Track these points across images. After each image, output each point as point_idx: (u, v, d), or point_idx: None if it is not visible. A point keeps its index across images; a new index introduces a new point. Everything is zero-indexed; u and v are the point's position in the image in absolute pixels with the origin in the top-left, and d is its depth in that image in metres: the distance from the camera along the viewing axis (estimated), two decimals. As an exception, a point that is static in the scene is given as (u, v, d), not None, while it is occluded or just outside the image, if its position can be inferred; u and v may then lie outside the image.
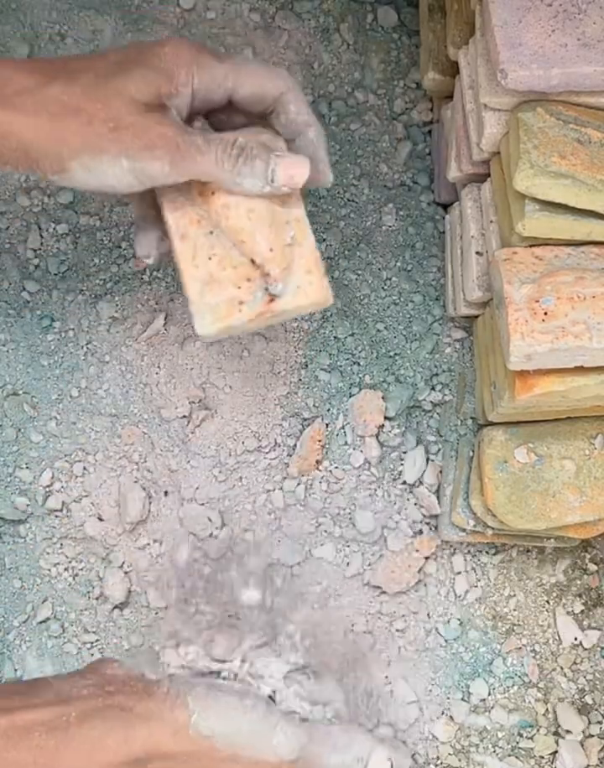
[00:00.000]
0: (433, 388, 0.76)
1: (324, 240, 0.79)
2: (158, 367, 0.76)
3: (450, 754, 0.73)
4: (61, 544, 0.73)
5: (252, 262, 0.59)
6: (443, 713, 0.73)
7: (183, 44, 0.57)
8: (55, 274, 0.77)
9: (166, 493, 0.74)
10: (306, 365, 0.76)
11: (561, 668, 0.74)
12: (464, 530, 0.73)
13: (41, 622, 0.73)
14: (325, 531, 0.74)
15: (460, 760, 0.72)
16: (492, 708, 0.73)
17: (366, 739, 0.58)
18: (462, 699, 0.74)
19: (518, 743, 0.73)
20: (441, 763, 0.73)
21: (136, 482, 0.74)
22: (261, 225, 0.58)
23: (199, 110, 0.58)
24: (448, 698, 0.74)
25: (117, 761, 0.51)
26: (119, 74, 0.55)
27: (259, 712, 0.54)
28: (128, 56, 0.56)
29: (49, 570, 0.73)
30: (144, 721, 0.51)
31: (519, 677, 0.74)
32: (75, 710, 0.51)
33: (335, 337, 0.77)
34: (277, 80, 0.59)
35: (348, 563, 0.74)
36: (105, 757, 0.50)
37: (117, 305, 0.76)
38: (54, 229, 0.77)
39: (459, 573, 0.75)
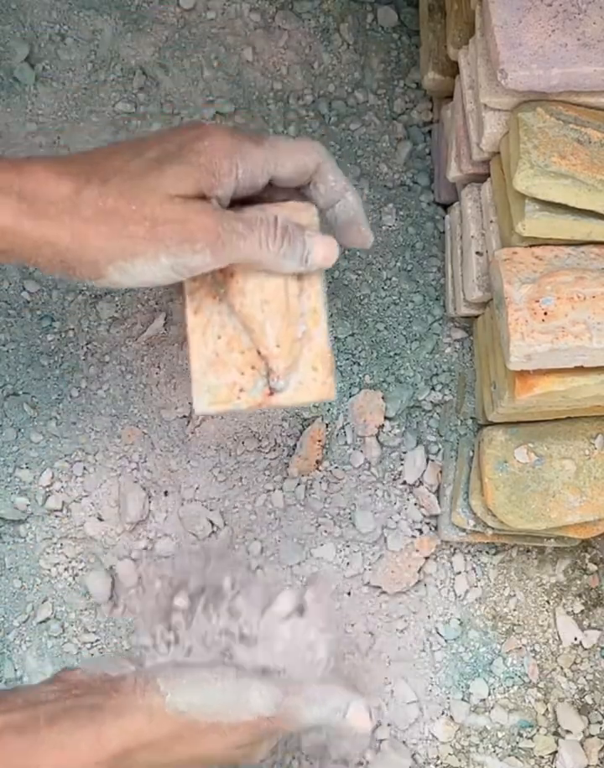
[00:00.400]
0: (433, 388, 0.76)
1: (324, 240, 0.79)
2: (158, 367, 0.76)
3: (450, 754, 0.73)
4: (61, 544, 0.73)
5: (259, 352, 0.58)
6: (443, 713, 0.73)
7: (221, 135, 0.55)
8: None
9: (166, 493, 0.74)
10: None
11: (561, 668, 0.74)
12: (464, 530, 0.73)
13: (41, 622, 0.73)
14: (325, 532, 0.74)
15: (460, 760, 0.72)
16: (492, 708, 0.73)
17: (343, 690, 0.57)
18: (462, 699, 0.74)
19: (518, 743, 0.73)
20: (441, 763, 0.73)
21: (136, 482, 0.74)
22: (273, 318, 0.58)
23: (241, 195, 0.57)
24: (448, 698, 0.74)
25: (94, 761, 0.50)
26: (154, 172, 0.53)
27: (230, 676, 0.54)
28: (166, 151, 0.54)
29: (49, 570, 0.73)
30: (116, 716, 0.51)
31: (519, 677, 0.74)
32: (43, 713, 0.50)
33: (335, 337, 0.77)
34: (312, 153, 0.58)
35: (348, 563, 0.74)
36: (79, 758, 0.50)
37: (116, 305, 0.76)
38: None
39: (459, 573, 0.75)
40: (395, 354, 0.77)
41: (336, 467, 0.75)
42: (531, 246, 0.63)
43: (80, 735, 0.50)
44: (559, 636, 0.75)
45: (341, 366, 0.76)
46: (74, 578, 0.73)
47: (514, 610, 0.75)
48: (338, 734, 0.61)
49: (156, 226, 0.52)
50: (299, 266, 0.57)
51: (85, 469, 0.74)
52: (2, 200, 0.51)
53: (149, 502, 0.74)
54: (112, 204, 0.52)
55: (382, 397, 0.75)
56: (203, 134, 0.55)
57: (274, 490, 0.74)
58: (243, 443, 0.75)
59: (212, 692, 0.53)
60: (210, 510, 0.74)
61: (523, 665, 0.74)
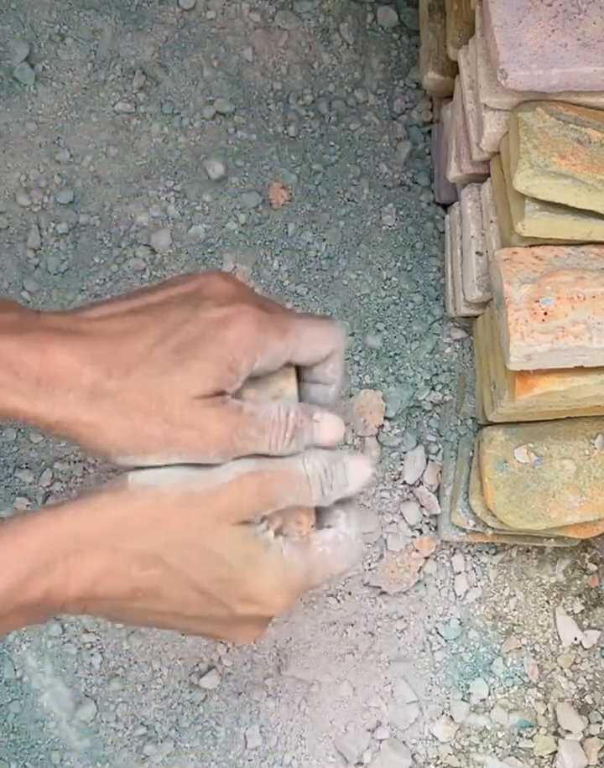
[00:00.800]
0: (433, 388, 0.76)
1: (324, 240, 0.79)
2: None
3: (450, 754, 0.73)
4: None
5: None
6: (443, 713, 0.73)
7: (247, 326, 0.53)
8: (55, 274, 0.77)
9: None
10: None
11: (561, 668, 0.74)
12: (464, 530, 0.73)
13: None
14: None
15: (460, 760, 0.72)
16: (492, 708, 0.73)
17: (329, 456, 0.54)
18: (462, 699, 0.74)
19: (518, 743, 0.73)
20: (441, 763, 0.73)
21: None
22: None
23: (252, 377, 0.55)
24: (448, 698, 0.74)
25: (60, 542, 0.49)
26: (177, 368, 0.52)
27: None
28: (189, 338, 0.52)
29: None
30: (81, 502, 0.50)
31: (519, 677, 0.74)
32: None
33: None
34: (332, 343, 0.56)
35: (348, 563, 0.74)
36: (42, 541, 0.49)
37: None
38: (54, 228, 0.77)
39: (459, 573, 0.75)
40: (395, 354, 0.77)
41: (336, 467, 0.75)
42: (531, 246, 0.63)
43: (38, 530, 0.49)
44: (559, 636, 0.75)
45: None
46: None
47: (514, 610, 0.75)
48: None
49: (172, 432, 0.51)
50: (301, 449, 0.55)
51: (85, 469, 0.74)
52: (21, 385, 0.50)
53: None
54: (132, 400, 0.51)
55: (382, 397, 0.76)
56: (229, 321, 0.53)
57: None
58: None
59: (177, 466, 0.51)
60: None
61: (523, 665, 0.74)
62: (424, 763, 0.72)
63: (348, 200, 0.80)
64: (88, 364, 0.51)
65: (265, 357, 0.53)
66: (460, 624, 0.75)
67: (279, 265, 0.78)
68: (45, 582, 0.49)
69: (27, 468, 0.74)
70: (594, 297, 0.61)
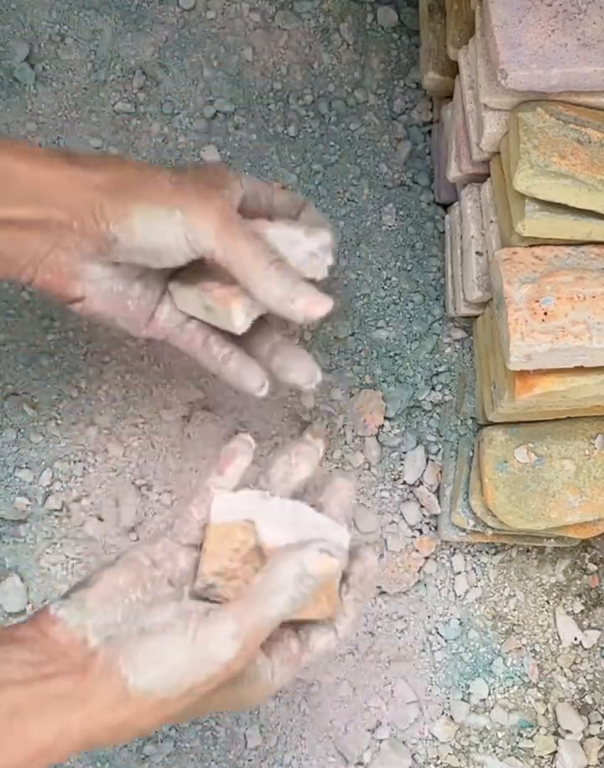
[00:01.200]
0: (433, 388, 0.76)
1: (324, 240, 0.79)
2: (158, 367, 0.76)
3: (450, 754, 0.73)
4: (61, 544, 0.73)
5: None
6: (443, 713, 0.73)
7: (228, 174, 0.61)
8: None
9: (169, 492, 0.74)
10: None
11: (561, 668, 0.74)
12: (464, 530, 0.73)
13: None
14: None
15: (460, 760, 0.72)
16: (492, 708, 0.73)
17: (284, 556, 0.53)
18: (462, 699, 0.74)
19: (518, 743, 0.73)
20: (441, 763, 0.73)
21: (133, 483, 0.74)
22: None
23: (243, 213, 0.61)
24: (448, 698, 0.74)
25: (57, 752, 0.50)
26: (180, 169, 0.61)
27: (187, 637, 0.51)
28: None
29: (49, 570, 0.73)
30: (79, 705, 0.50)
31: (519, 677, 0.74)
32: (4, 703, 0.49)
33: (335, 337, 0.77)
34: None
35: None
36: (42, 750, 0.50)
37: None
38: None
39: (459, 573, 0.75)
40: (395, 354, 0.77)
41: (336, 467, 0.75)
42: (531, 246, 0.63)
43: (45, 731, 0.50)
44: (559, 636, 0.75)
45: (340, 366, 0.77)
46: (74, 578, 0.73)
47: (514, 610, 0.75)
48: None
49: (180, 187, 0.58)
50: (282, 300, 0.57)
51: (85, 469, 0.74)
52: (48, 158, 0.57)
53: (148, 501, 0.74)
54: (147, 167, 0.59)
55: (382, 397, 0.75)
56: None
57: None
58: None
59: (175, 661, 0.51)
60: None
61: (523, 665, 0.74)
62: (424, 763, 0.72)
63: (348, 200, 0.80)
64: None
65: (248, 182, 0.62)
66: (460, 624, 0.75)
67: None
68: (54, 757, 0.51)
69: (27, 468, 0.74)
70: (594, 297, 0.61)
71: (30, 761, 0.49)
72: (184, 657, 0.51)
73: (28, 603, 0.73)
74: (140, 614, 0.53)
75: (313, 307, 0.58)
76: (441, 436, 0.76)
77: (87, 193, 0.57)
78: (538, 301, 0.61)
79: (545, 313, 0.61)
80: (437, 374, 0.77)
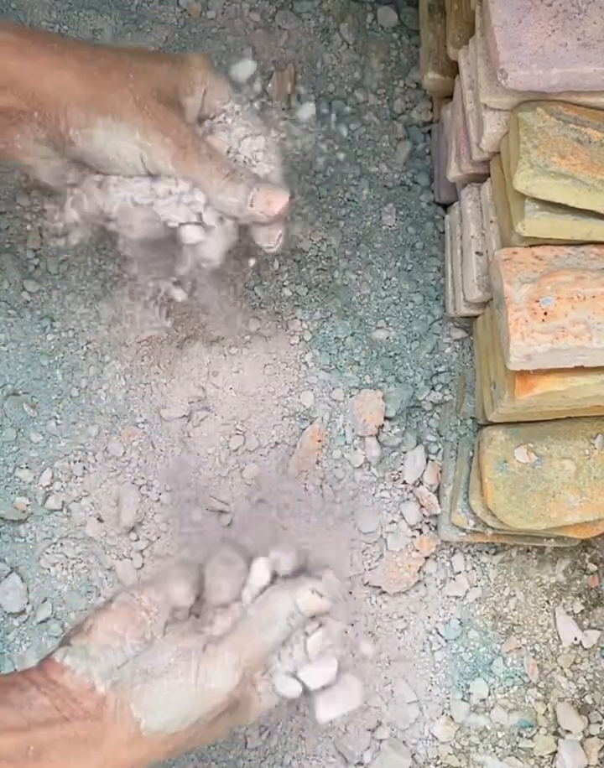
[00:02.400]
0: (433, 388, 0.76)
1: (324, 239, 0.79)
2: (159, 367, 0.76)
3: (450, 754, 0.73)
4: (61, 544, 0.73)
5: None
6: (443, 713, 0.73)
7: (203, 58, 0.64)
8: (55, 274, 0.77)
9: (168, 492, 0.74)
10: (306, 365, 0.76)
11: (561, 668, 0.74)
12: (464, 530, 0.73)
13: (41, 622, 0.73)
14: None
15: (460, 760, 0.72)
16: (492, 708, 0.73)
17: (278, 594, 0.58)
18: (462, 699, 0.74)
19: (518, 743, 0.73)
20: (441, 763, 0.73)
21: (133, 483, 0.74)
22: None
23: (203, 117, 0.64)
24: (448, 698, 0.74)
25: None
26: (152, 59, 0.62)
27: (192, 676, 0.55)
28: (160, 53, 0.64)
29: (49, 570, 0.73)
30: (98, 747, 0.54)
31: (519, 677, 0.74)
32: (33, 743, 0.53)
33: (335, 337, 0.77)
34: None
35: (349, 563, 0.74)
36: None
37: (116, 305, 0.76)
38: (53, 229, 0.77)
39: (459, 573, 0.75)
40: (395, 354, 0.77)
41: (336, 467, 0.75)
42: (531, 245, 0.63)
43: (65, 766, 0.53)
44: (559, 636, 0.75)
45: (341, 366, 0.77)
46: (74, 578, 0.73)
47: (514, 610, 0.75)
48: None
49: (142, 105, 0.59)
50: (241, 207, 0.61)
51: (85, 469, 0.74)
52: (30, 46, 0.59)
53: (148, 501, 0.74)
54: (118, 69, 0.60)
55: (382, 397, 0.75)
56: (188, 55, 0.64)
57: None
58: (244, 442, 0.75)
59: (181, 701, 0.55)
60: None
61: (523, 665, 0.74)
62: (424, 763, 0.72)
63: (348, 200, 0.80)
64: (83, 44, 0.62)
65: (212, 81, 0.64)
66: (460, 624, 0.75)
67: (279, 265, 0.78)
68: None
69: (27, 467, 0.74)
70: (594, 297, 0.61)
71: None
72: (191, 695, 0.55)
73: (27, 603, 0.73)
74: (140, 655, 0.56)
75: (270, 205, 0.61)
76: (441, 436, 0.76)
77: (56, 92, 0.58)
78: (538, 301, 0.61)
79: (545, 314, 0.61)
80: (437, 374, 0.77)
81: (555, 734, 0.73)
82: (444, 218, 0.79)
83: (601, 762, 0.72)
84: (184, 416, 0.75)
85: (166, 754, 0.56)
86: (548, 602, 0.75)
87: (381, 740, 0.73)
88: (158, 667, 0.55)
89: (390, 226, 0.80)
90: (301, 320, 0.77)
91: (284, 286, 0.78)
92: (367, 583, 0.74)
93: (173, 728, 0.55)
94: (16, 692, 0.54)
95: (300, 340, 0.77)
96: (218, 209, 0.62)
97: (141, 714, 0.54)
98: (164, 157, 0.60)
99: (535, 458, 0.69)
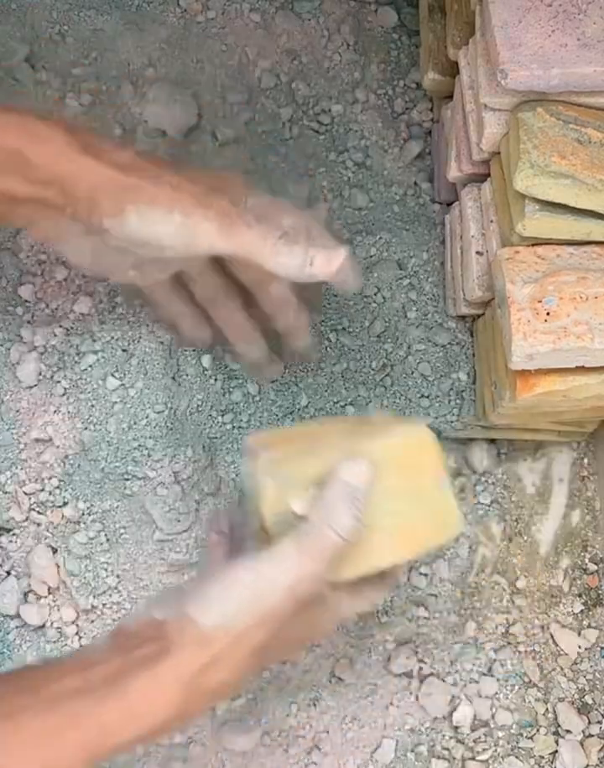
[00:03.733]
0: (433, 389, 0.76)
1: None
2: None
3: (450, 753, 0.73)
4: (59, 545, 0.73)
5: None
6: (444, 713, 0.73)
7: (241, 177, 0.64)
8: (55, 274, 0.77)
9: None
10: (306, 365, 0.76)
11: (561, 668, 0.74)
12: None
13: (38, 628, 0.73)
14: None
15: (460, 760, 0.72)
16: (493, 708, 0.73)
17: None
18: (462, 699, 0.74)
19: (517, 743, 0.73)
20: (442, 762, 0.72)
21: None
22: None
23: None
24: (448, 698, 0.74)
25: (160, 703, 0.53)
26: (192, 171, 0.62)
27: (250, 567, 0.54)
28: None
29: (47, 570, 0.73)
30: (166, 657, 0.53)
31: (519, 677, 0.74)
32: (98, 674, 0.52)
33: (336, 338, 0.77)
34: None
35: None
36: (144, 703, 0.53)
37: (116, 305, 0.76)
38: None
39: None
40: (395, 355, 0.77)
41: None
42: (533, 245, 0.63)
43: (138, 685, 0.52)
44: (558, 636, 0.75)
45: (340, 366, 0.77)
46: (71, 580, 0.73)
47: (514, 610, 0.75)
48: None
49: (180, 190, 0.59)
50: (301, 267, 0.60)
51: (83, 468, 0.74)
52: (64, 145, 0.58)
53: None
54: (150, 165, 0.60)
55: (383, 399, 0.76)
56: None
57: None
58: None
59: (235, 591, 0.54)
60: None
61: (523, 665, 0.74)
62: (424, 762, 0.72)
63: (348, 200, 0.80)
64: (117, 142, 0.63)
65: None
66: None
67: (279, 265, 0.78)
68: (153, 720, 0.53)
69: (24, 468, 0.74)
70: (596, 297, 0.61)
71: (131, 720, 0.52)
72: (247, 587, 0.53)
73: (24, 603, 0.73)
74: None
75: (330, 263, 0.60)
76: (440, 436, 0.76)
77: (88, 187, 0.58)
78: (540, 301, 0.61)
79: (548, 314, 0.61)
80: (438, 374, 0.77)
81: (555, 734, 0.73)
82: (444, 218, 0.79)
83: (601, 762, 0.72)
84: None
85: (237, 662, 0.53)
86: (547, 602, 0.75)
87: (381, 740, 0.73)
88: (218, 570, 0.55)
89: (390, 226, 0.79)
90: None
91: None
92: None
93: (233, 623, 0.53)
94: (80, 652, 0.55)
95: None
96: (276, 272, 0.60)
97: (197, 611, 0.53)
98: (208, 231, 0.59)
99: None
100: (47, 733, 0.51)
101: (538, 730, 0.73)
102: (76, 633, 0.72)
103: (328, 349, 0.77)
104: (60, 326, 0.75)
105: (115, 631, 0.56)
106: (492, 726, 0.73)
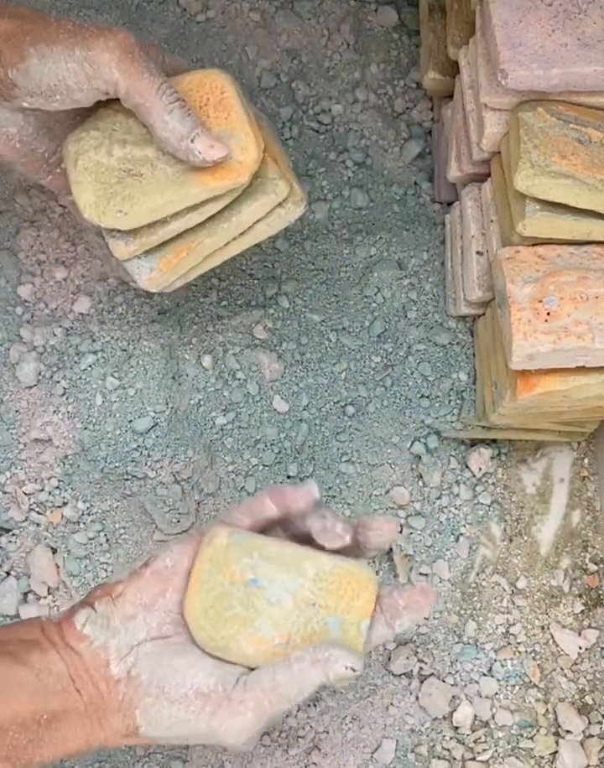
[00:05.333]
0: (433, 389, 0.76)
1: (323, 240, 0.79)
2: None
3: (451, 753, 0.73)
4: (58, 544, 0.73)
5: None
6: (444, 714, 0.73)
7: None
8: (54, 274, 0.77)
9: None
10: (307, 365, 0.76)
11: (561, 668, 0.74)
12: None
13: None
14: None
15: (461, 760, 0.72)
16: (493, 708, 0.73)
17: (309, 663, 0.55)
18: (463, 699, 0.74)
19: (518, 743, 0.73)
20: (442, 762, 0.72)
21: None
22: None
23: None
24: (449, 698, 0.74)
25: (76, 754, 0.56)
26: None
27: (204, 723, 0.54)
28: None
29: (46, 570, 0.73)
30: (101, 727, 0.55)
31: (520, 677, 0.74)
32: (46, 713, 0.54)
33: (336, 338, 0.77)
34: None
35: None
36: (67, 753, 0.55)
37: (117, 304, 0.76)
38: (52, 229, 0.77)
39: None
40: (395, 355, 0.77)
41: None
42: (533, 244, 0.63)
43: (72, 738, 0.55)
44: (559, 637, 0.75)
45: (340, 366, 0.77)
46: (70, 580, 0.73)
47: (515, 610, 0.75)
48: None
49: (81, 27, 0.57)
50: (180, 139, 0.57)
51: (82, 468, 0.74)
52: None
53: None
54: (52, 14, 0.58)
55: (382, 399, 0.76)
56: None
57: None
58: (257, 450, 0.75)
59: (185, 732, 0.55)
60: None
61: (523, 665, 0.74)
62: (425, 762, 0.72)
63: (348, 200, 0.80)
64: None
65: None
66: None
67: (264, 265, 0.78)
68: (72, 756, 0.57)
69: (24, 468, 0.74)
70: (597, 297, 0.61)
71: (56, 759, 0.55)
72: (197, 732, 0.55)
73: (24, 604, 0.73)
74: (165, 647, 0.55)
75: (211, 150, 0.57)
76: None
77: None
78: (541, 301, 0.61)
79: (548, 314, 0.61)
80: (438, 375, 0.77)
81: (555, 734, 0.73)
82: (444, 218, 0.79)
83: (601, 762, 0.72)
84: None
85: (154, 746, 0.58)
86: (547, 602, 0.75)
87: (382, 740, 0.72)
88: (176, 693, 0.54)
89: (390, 226, 0.79)
90: (299, 321, 0.77)
91: (283, 285, 0.78)
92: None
93: (169, 742, 0.56)
94: (38, 653, 0.54)
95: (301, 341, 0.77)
96: (158, 130, 0.57)
97: (143, 724, 0.54)
98: (109, 63, 0.56)
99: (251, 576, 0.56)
100: None
101: (538, 731, 0.73)
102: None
103: (328, 349, 0.77)
104: (60, 326, 0.75)
105: (63, 629, 0.55)
106: (492, 726, 0.73)
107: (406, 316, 0.78)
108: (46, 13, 0.59)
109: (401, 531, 0.75)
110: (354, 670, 0.54)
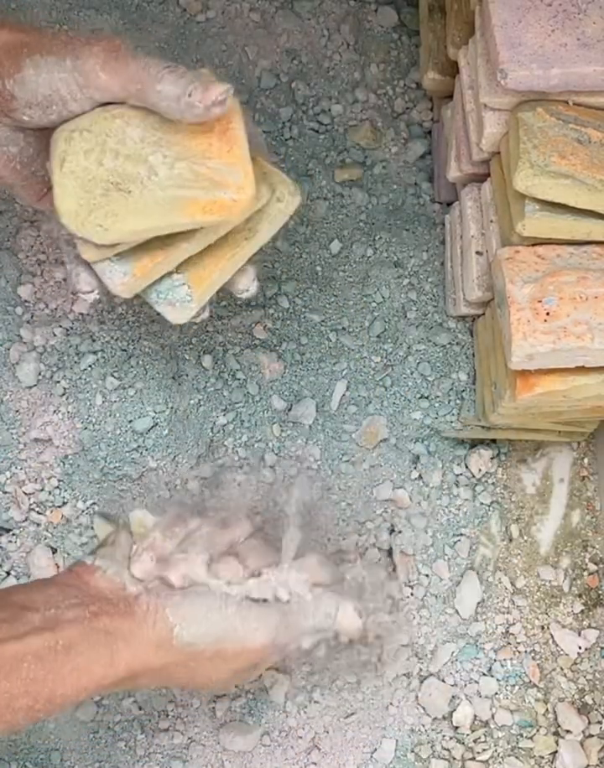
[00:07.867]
0: (433, 389, 0.76)
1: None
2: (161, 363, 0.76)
3: (451, 753, 0.73)
4: (58, 544, 0.73)
5: None
6: (444, 714, 0.73)
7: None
8: (54, 274, 0.77)
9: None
10: (307, 365, 0.76)
11: (561, 668, 0.74)
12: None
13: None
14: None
15: (461, 760, 0.72)
16: (493, 708, 0.73)
17: (331, 595, 0.60)
18: (463, 699, 0.74)
19: (518, 743, 0.73)
20: (442, 762, 0.72)
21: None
22: None
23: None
24: (449, 698, 0.74)
25: (104, 684, 0.54)
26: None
27: (233, 608, 0.57)
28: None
29: (46, 570, 0.73)
30: (127, 642, 0.54)
31: (519, 677, 0.74)
32: (61, 638, 0.53)
33: (336, 338, 0.77)
34: None
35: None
36: (92, 681, 0.54)
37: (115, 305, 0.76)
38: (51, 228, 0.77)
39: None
40: (395, 354, 0.77)
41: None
42: (532, 244, 0.63)
43: (95, 661, 0.54)
44: (558, 637, 0.75)
45: (340, 366, 0.77)
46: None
47: (514, 610, 0.75)
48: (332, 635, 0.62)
49: (72, 38, 0.58)
50: (179, 98, 0.57)
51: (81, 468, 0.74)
52: None
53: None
54: (47, 29, 0.59)
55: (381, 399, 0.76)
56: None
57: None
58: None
59: (218, 624, 0.56)
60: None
61: (523, 665, 0.74)
62: (425, 762, 0.72)
63: (348, 200, 0.80)
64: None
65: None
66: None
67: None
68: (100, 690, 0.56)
69: (24, 468, 0.74)
70: (596, 297, 0.61)
71: (82, 691, 0.54)
72: (227, 621, 0.56)
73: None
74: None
75: (208, 92, 0.56)
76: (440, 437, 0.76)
77: None
78: (540, 301, 0.61)
79: (548, 314, 0.61)
80: (438, 376, 0.77)
81: (555, 734, 0.73)
82: (444, 218, 0.79)
83: (601, 762, 0.72)
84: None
85: (186, 674, 0.57)
86: (547, 602, 0.75)
87: (382, 740, 0.73)
88: (201, 587, 0.56)
89: (390, 226, 0.79)
90: (299, 322, 0.77)
91: (283, 285, 0.78)
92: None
93: (202, 644, 0.56)
94: (43, 597, 0.55)
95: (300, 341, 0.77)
96: (156, 103, 0.57)
97: (177, 621, 0.55)
98: (95, 67, 0.57)
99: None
100: None
101: (538, 730, 0.73)
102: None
103: (328, 349, 0.77)
104: (60, 326, 0.75)
105: (76, 573, 0.57)
106: (492, 726, 0.73)
107: (406, 316, 0.78)
108: (44, 27, 0.61)
109: (401, 532, 0.75)
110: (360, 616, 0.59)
